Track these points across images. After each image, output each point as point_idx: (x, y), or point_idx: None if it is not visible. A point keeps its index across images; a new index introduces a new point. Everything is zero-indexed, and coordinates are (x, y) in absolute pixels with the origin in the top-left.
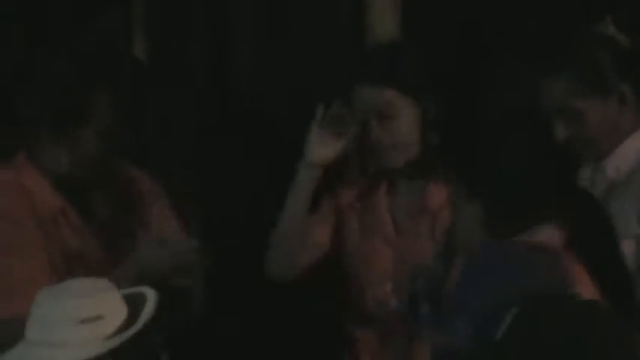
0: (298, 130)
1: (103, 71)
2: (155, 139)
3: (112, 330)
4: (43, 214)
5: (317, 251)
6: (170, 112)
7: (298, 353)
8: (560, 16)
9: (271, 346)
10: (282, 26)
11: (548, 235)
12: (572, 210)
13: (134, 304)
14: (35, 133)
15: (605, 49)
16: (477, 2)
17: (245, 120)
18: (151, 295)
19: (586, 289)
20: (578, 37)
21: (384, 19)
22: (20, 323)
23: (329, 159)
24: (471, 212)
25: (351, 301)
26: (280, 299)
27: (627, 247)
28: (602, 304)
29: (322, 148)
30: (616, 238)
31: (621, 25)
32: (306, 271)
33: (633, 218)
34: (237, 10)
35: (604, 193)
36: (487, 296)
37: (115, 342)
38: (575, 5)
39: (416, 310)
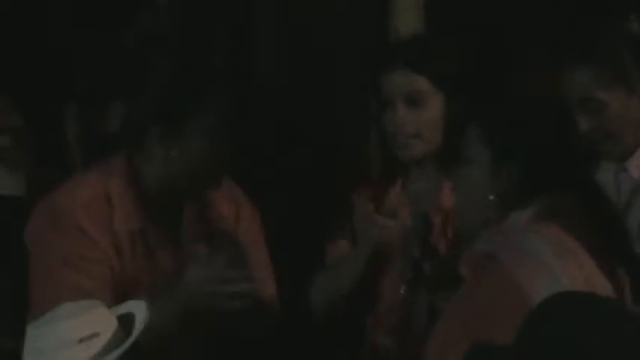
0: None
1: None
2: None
3: (108, 345)
4: (121, 232)
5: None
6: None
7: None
8: (585, 13)
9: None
10: (304, 27)
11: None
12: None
13: (125, 318)
14: (142, 134)
15: (630, 47)
16: (499, 4)
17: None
18: (141, 307)
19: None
20: (605, 30)
21: (407, 20)
22: None
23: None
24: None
25: (372, 306)
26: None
27: None
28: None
29: (369, 230)
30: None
31: None
32: None
33: None
34: (259, 11)
35: (628, 193)
36: None
37: (114, 356)
38: (600, 3)
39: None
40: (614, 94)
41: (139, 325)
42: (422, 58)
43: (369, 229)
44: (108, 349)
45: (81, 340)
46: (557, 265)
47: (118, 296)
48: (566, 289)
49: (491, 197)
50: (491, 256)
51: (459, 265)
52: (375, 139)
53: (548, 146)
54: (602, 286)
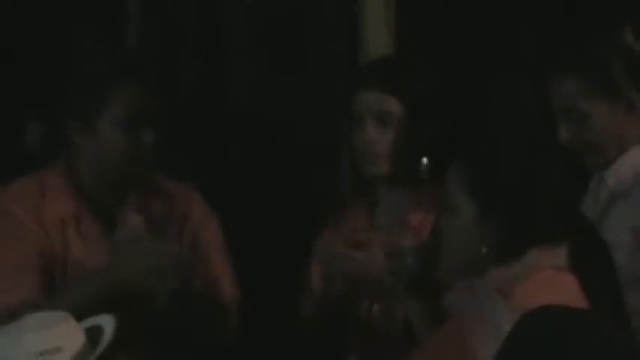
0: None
1: (125, 62)
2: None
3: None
4: (52, 218)
5: None
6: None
7: None
8: (576, 25)
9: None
10: (276, 41)
11: (558, 257)
12: (576, 233)
13: (92, 332)
14: (66, 130)
15: (619, 56)
16: (474, 17)
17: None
18: (109, 323)
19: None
20: (593, 41)
21: (378, 34)
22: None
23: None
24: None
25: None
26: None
27: (618, 257)
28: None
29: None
30: (611, 261)
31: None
32: None
33: (626, 229)
34: (231, 26)
35: (605, 202)
36: None
37: None
38: (594, 14)
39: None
40: (597, 106)
41: (106, 338)
42: (392, 78)
43: (340, 265)
44: None
45: (42, 354)
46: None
47: (49, 279)
48: None
49: (484, 250)
50: (457, 312)
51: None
52: (347, 158)
53: (533, 195)
54: None
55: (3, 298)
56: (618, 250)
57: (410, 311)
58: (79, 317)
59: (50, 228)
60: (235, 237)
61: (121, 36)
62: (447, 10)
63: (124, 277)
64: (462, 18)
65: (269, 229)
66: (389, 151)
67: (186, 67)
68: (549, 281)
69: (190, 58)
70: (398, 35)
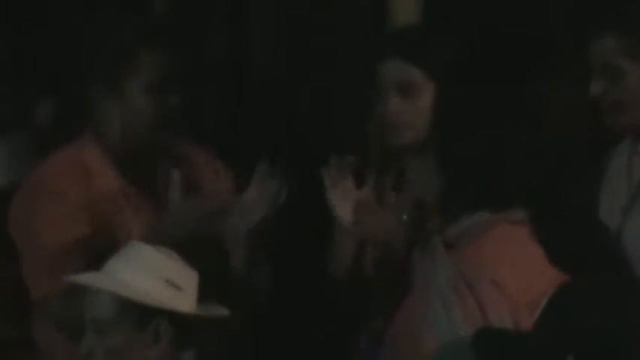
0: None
1: (151, 28)
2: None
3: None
4: (103, 194)
5: None
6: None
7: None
8: None
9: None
10: (301, 10)
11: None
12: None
13: None
14: (91, 100)
15: None
16: None
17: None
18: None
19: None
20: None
21: (406, 11)
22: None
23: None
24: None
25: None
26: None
27: None
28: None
29: (347, 205)
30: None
31: None
32: None
33: None
34: (257, 2)
35: None
36: None
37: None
38: None
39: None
40: (634, 66)
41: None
42: (415, 47)
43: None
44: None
45: (167, 282)
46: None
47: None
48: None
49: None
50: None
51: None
52: (371, 129)
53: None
54: None
55: (58, 280)
56: None
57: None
58: None
59: (101, 204)
60: None
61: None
62: None
63: (188, 231)
64: None
65: (295, 200)
66: (412, 120)
67: (212, 33)
68: (502, 235)
69: (217, 25)
70: (426, 3)
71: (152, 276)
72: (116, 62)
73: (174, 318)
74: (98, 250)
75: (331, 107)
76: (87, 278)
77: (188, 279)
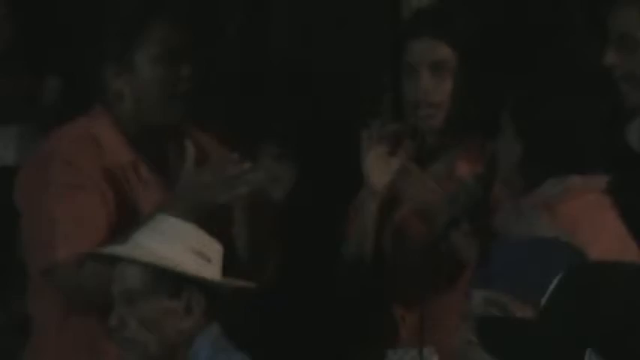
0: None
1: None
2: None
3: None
4: (113, 166)
5: None
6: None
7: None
8: None
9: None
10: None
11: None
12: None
13: None
14: (101, 76)
15: None
16: None
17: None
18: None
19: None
20: None
21: None
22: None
23: (390, 182)
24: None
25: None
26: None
27: None
28: None
29: (382, 173)
30: None
31: None
32: None
33: None
34: None
35: None
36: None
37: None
38: None
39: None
40: None
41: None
42: (444, 25)
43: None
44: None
45: (196, 253)
46: None
47: (114, 225)
48: None
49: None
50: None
51: None
52: (389, 110)
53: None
54: None
55: (72, 249)
56: None
57: (459, 247)
58: None
59: (113, 178)
60: None
61: None
62: None
63: (200, 204)
64: None
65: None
66: (443, 100)
67: (228, 7)
68: (591, 203)
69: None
70: None
71: (183, 247)
72: (126, 36)
73: (203, 289)
74: (111, 220)
75: (348, 87)
76: (120, 250)
77: (215, 250)
